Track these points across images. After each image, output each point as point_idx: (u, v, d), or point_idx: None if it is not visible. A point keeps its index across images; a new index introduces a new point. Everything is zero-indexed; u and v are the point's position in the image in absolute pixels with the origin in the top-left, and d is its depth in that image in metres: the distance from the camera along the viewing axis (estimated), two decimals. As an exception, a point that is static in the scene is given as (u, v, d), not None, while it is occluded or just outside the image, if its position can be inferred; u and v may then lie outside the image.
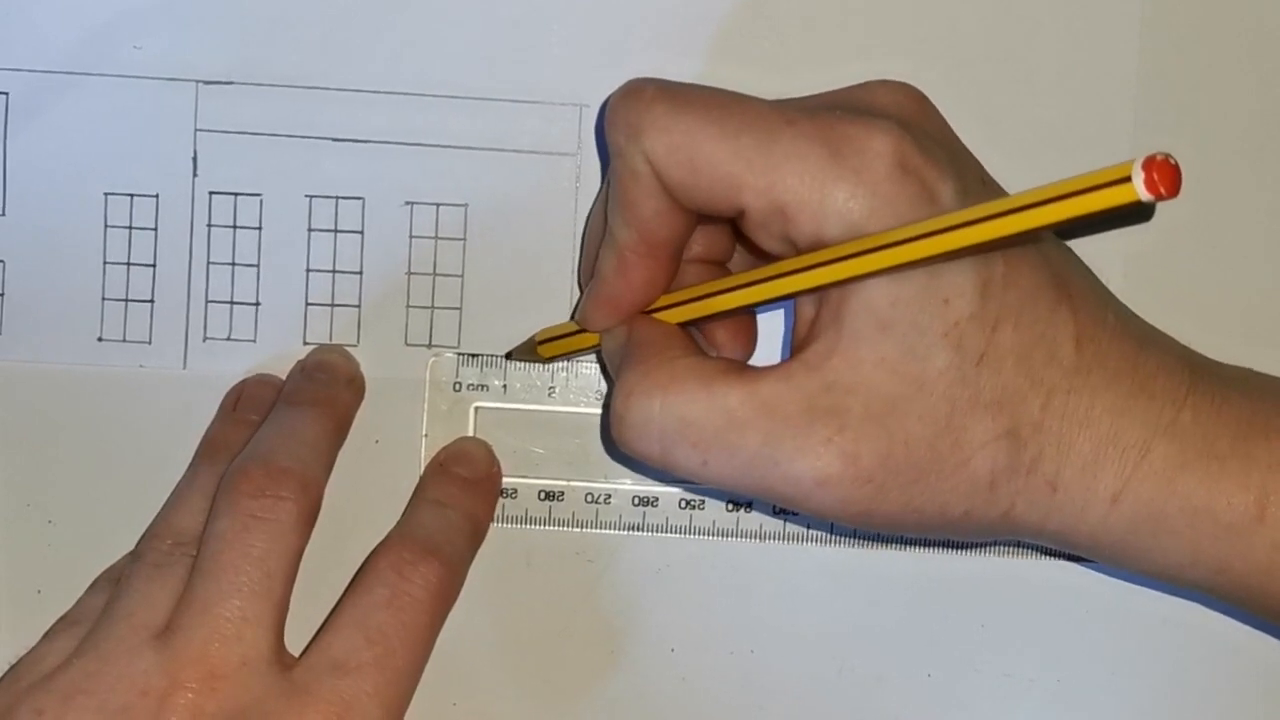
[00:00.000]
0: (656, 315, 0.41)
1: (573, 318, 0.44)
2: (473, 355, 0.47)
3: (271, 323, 0.47)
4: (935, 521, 0.37)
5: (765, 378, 0.37)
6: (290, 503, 0.40)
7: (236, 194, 0.46)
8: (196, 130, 0.46)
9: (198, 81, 0.46)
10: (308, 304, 0.47)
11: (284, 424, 0.43)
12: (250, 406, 0.45)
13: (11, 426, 0.47)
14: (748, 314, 0.43)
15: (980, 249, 0.33)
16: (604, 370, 0.46)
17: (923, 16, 0.46)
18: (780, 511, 0.47)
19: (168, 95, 0.46)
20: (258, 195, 0.46)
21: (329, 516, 0.42)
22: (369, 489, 0.46)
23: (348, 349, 0.47)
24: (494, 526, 0.46)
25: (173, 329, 0.47)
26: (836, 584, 0.47)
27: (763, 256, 0.40)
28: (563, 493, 0.47)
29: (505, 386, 0.47)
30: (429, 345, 0.47)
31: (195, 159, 0.46)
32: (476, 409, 0.47)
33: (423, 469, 0.46)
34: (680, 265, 0.41)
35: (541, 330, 0.45)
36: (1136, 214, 0.42)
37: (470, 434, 0.47)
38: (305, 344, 0.47)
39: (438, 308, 0.47)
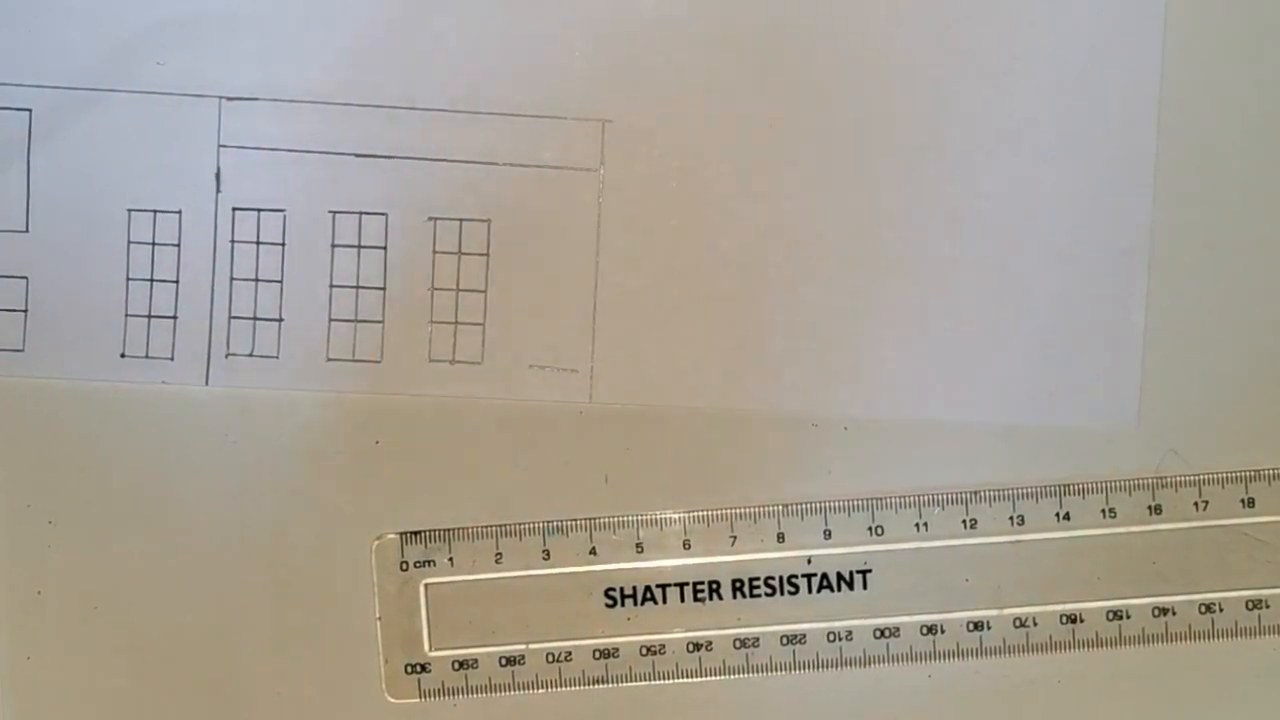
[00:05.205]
0: None
1: None
2: (414, 533, 0.46)
3: (294, 339, 0.46)
4: None
5: None
6: None
7: (260, 209, 0.46)
8: (220, 146, 0.46)
9: (221, 97, 0.46)
10: (331, 320, 0.46)
11: None
12: None
13: (33, 442, 0.46)
14: None
15: None
16: None
17: (942, 15, 0.47)
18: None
19: (191, 111, 0.46)
20: (281, 211, 0.46)
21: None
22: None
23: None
24: (456, 699, 0.46)
25: (195, 345, 0.46)
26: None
27: None
28: (523, 656, 0.47)
29: (452, 560, 0.46)
30: (452, 361, 0.47)
31: (218, 175, 0.46)
32: (426, 586, 0.46)
33: (381, 656, 0.46)
34: None
35: None
36: None
37: (423, 612, 0.46)
38: (329, 360, 0.46)
39: (461, 323, 0.47)
